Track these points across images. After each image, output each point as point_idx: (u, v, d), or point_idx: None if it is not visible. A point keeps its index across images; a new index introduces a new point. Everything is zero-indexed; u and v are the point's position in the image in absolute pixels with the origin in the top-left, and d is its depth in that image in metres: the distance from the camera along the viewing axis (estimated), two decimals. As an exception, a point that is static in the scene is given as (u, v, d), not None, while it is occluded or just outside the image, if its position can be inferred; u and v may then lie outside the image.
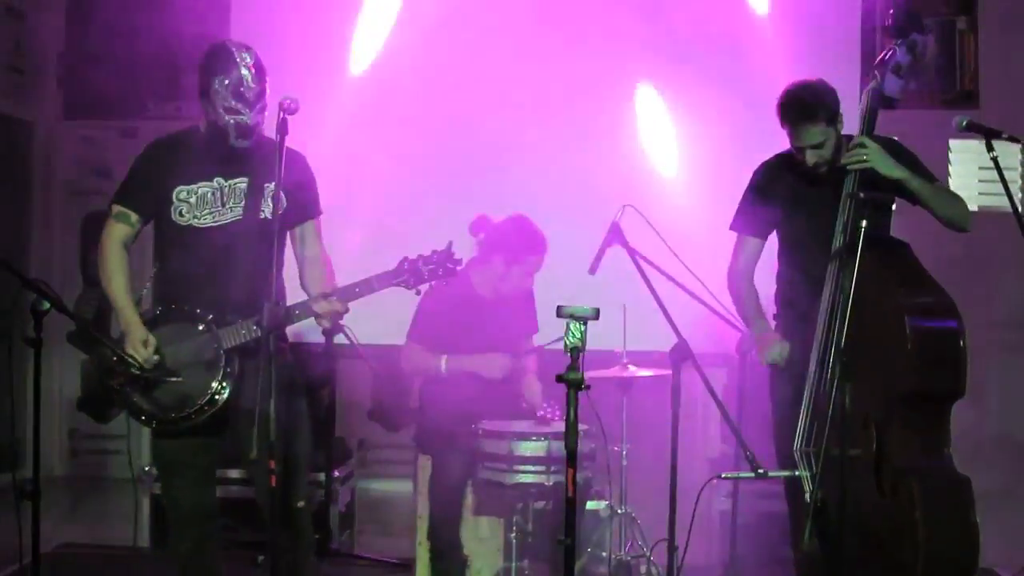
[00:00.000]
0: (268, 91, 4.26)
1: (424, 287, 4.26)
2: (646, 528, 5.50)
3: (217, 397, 4.20)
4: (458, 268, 4.25)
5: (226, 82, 4.19)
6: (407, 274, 4.19)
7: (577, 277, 5.20)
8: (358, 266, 4.49)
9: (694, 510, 4.49)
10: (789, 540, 4.82)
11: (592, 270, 5.17)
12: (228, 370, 4.21)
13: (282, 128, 4.03)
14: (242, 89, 4.18)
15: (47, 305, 4.10)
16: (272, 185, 4.21)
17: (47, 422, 8.40)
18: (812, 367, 4.37)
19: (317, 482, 6.21)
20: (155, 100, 8.47)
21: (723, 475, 4.74)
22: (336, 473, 6.38)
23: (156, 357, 4.19)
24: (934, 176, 4.68)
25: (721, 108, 6.49)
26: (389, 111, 6.90)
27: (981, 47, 8.23)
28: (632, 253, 5.05)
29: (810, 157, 4.61)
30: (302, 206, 4.42)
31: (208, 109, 4.25)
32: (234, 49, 4.23)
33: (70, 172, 8.73)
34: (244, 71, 4.18)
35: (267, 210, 4.28)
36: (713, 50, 6.65)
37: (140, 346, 4.17)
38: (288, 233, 4.41)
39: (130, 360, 4.13)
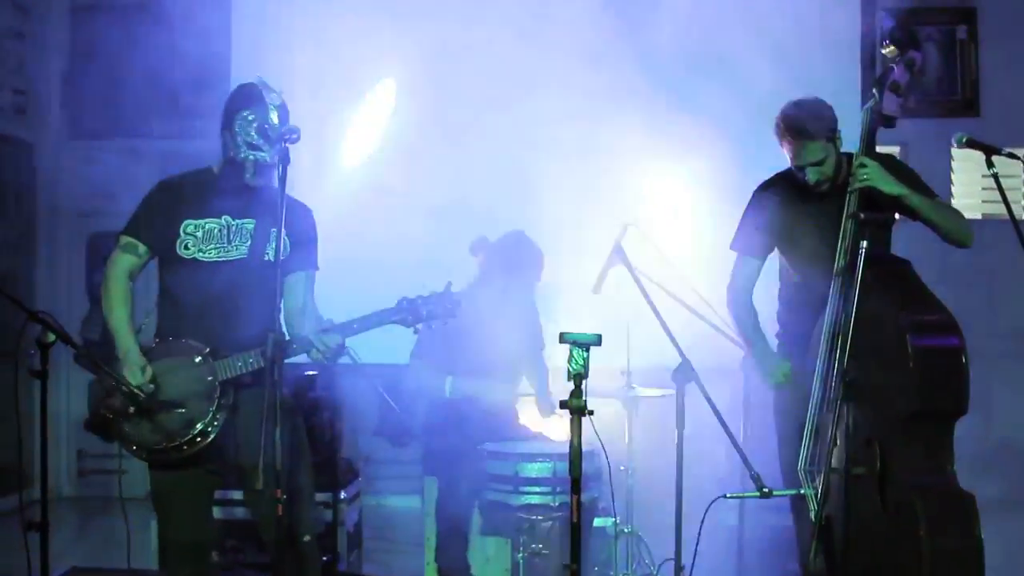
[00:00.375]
0: (282, 113, 4.31)
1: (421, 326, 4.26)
2: (653, 546, 5.50)
3: (209, 429, 4.20)
4: (456, 309, 4.25)
5: (251, 117, 4.26)
6: (405, 312, 4.23)
7: (581, 297, 5.25)
8: (360, 297, 4.51)
9: (699, 531, 4.49)
10: (797, 557, 4.83)
11: (596, 290, 5.21)
12: (222, 402, 4.22)
13: (284, 157, 4.02)
14: (266, 127, 4.23)
15: (52, 337, 4.12)
16: (279, 231, 4.20)
17: (54, 443, 8.47)
18: (815, 386, 4.38)
19: (324, 503, 6.22)
20: (159, 120, 8.49)
21: (728, 495, 4.72)
22: (343, 495, 6.38)
23: (152, 386, 4.19)
24: (934, 192, 4.68)
25: (723, 123, 6.49)
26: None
27: (982, 56, 8.26)
28: (634, 273, 5.08)
29: (811, 175, 4.62)
30: (302, 256, 4.45)
31: (229, 143, 4.30)
32: (263, 88, 4.29)
33: (74, 193, 8.76)
34: (271, 109, 4.24)
35: (271, 253, 4.32)
36: (714, 65, 6.64)
37: (137, 372, 4.19)
38: (286, 281, 4.41)
39: (125, 387, 4.13)
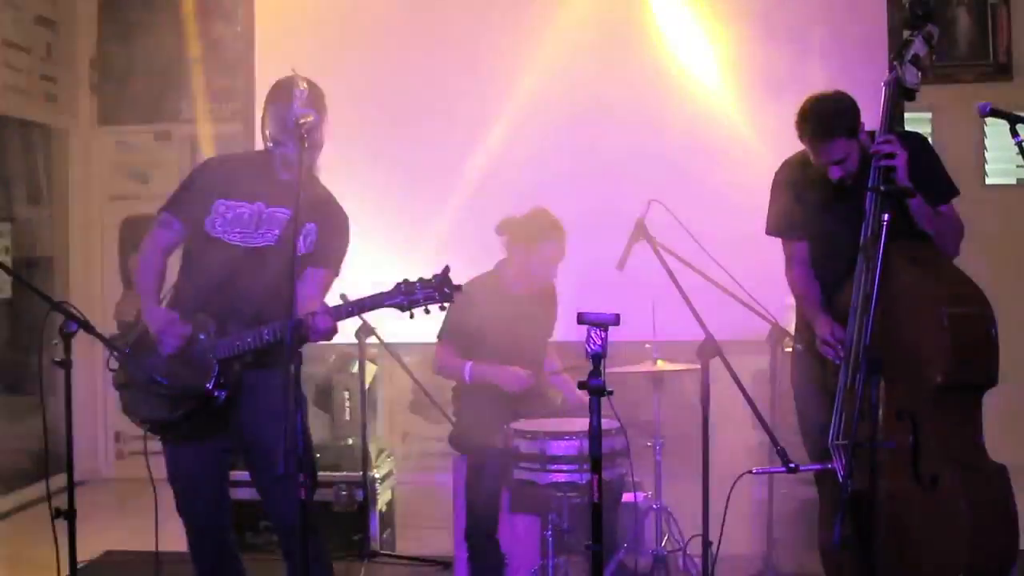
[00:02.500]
0: (322, 129, 4.29)
1: (418, 311, 4.08)
2: (683, 521, 5.50)
3: (210, 399, 4.24)
4: (454, 294, 4.08)
5: (275, 112, 4.30)
6: (402, 296, 4.06)
7: (606, 272, 5.24)
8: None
9: (726, 507, 4.49)
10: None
11: (620, 266, 5.22)
12: (221, 380, 4.24)
13: (300, 143, 4.01)
14: (288, 123, 4.18)
15: (75, 327, 4.16)
16: (311, 227, 4.33)
17: (92, 425, 8.56)
18: (844, 361, 4.35)
19: (356, 483, 6.26)
20: (188, 103, 8.53)
21: (754, 470, 4.72)
22: (375, 474, 6.42)
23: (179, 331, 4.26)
24: (951, 190, 4.62)
25: (747, 96, 6.45)
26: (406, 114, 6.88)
27: (1014, 20, 8.15)
28: (658, 249, 5.08)
29: (834, 172, 4.56)
30: (325, 255, 4.42)
31: (264, 135, 4.37)
32: (293, 82, 4.23)
33: (106, 177, 8.83)
34: (295, 105, 4.17)
35: (298, 245, 4.27)
36: (736, 38, 6.58)
37: (166, 324, 4.27)
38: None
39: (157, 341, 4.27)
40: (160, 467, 4.47)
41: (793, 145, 4.70)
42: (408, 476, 7.67)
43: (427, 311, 4.07)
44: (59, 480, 4.55)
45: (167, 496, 4.50)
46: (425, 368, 6.10)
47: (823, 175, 4.60)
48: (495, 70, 6.76)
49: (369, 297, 4.11)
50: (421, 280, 4.05)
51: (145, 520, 4.57)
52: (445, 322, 5.49)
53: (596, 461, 3.73)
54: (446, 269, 4.07)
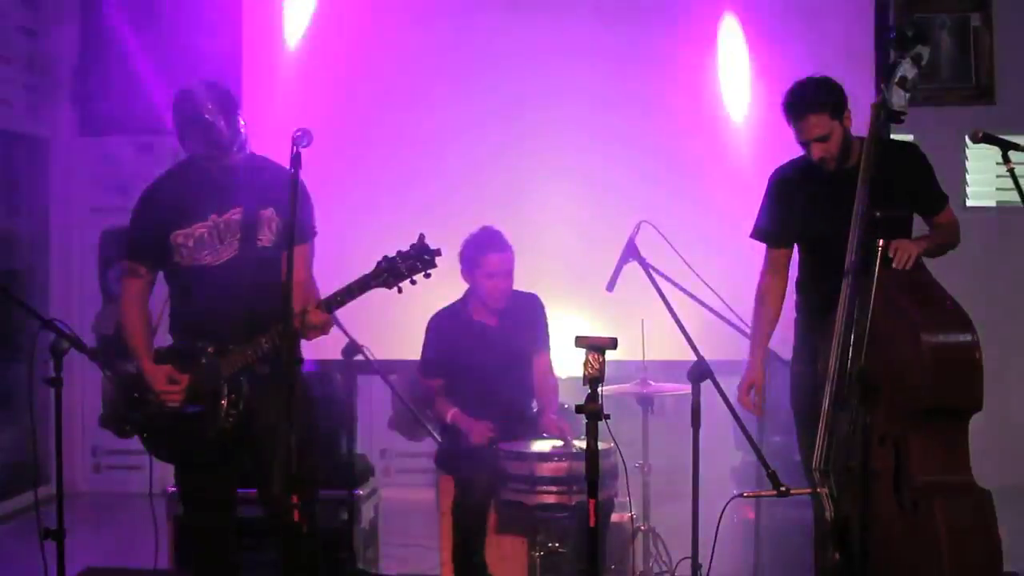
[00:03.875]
0: (228, 114, 4.27)
1: (405, 284, 4.10)
2: (670, 543, 5.49)
3: (225, 426, 4.29)
4: (437, 258, 4.10)
5: (177, 122, 4.30)
6: (386, 273, 4.08)
7: (596, 294, 5.24)
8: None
9: (716, 531, 4.48)
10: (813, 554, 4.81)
11: (609, 287, 5.21)
12: (232, 396, 4.27)
13: (295, 163, 4.00)
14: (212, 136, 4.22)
15: (66, 344, 4.13)
16: (270, 211, 4.35)
17: (68, 439, 8.46)
18: (827, 386, 4.35)
19: (340, 500, 6.22)
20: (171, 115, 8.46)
21: (745, 494, 4.73)
22: (359, 492, 6.38)
23: (175, 397, 4.32)
24: (944, 196, 4.70)
25: (739, 117, 6.46)
26: (388, 131, 6.84)
27: (996, 44, 8.21)
28: (648, 269, 5.08)
29: (815, 150, 4.57)
30: (297, 229, 4.34)
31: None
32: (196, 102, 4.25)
33: (87, 188, 8.75)
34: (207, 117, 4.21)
35: (264, 238, 4.37)
36: (728, 59, 6.59)
37: (165, 384, 4.31)
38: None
39: (161, 400, 4.29)
40: (142, 482, 4.49)
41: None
42: (386, 493, 7.63)
43: (413, 282, 4.08)
44: (31, 496, 4.54)
45: (146, 512, 4.52)
46: (409, 385, 6.09)
47: (814, 179, 4.62)
48: (482, 89, 6.73)
49: (356, 281, 4.14)
50: (400, 253, 4.07)
51: (124, 535, 4.57)
52: (422, 356, 5.53)
53: (592, 484, 3.72)
54: (421, 237, 4.09)
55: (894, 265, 4.26)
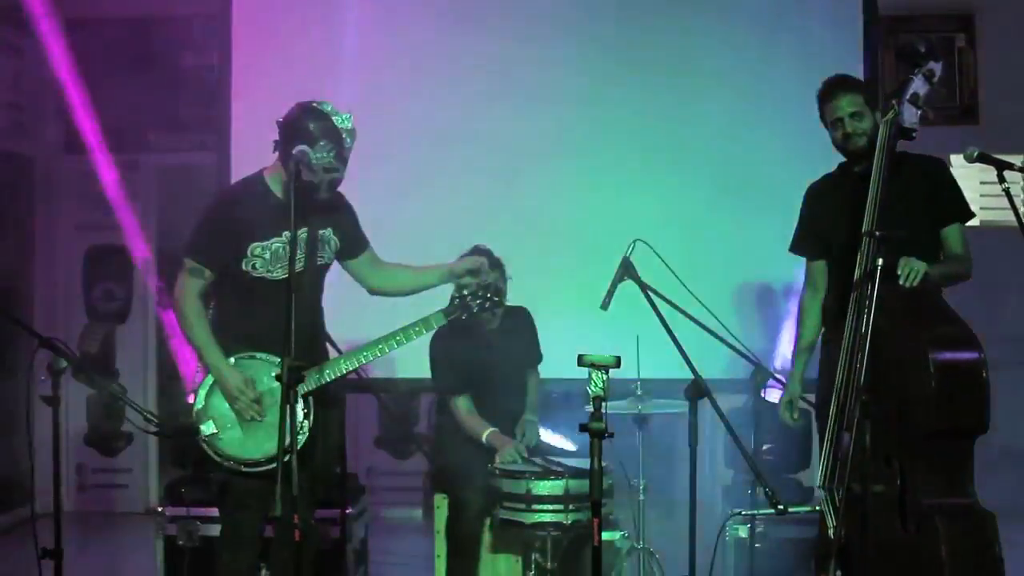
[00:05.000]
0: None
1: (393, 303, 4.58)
2: (664, 561, 5.48)
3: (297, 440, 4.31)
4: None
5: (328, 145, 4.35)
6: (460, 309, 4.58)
7: (591, 312, 5.24)
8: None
9: (715, 550, 4.49)
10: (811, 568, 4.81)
11: (604, 306, 5.20)
12: (306, 411, 4.37)
13: (297, 178, 4.15)
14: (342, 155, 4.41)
15: (64, 364, 4.11)
16: (327, 231, 4.55)
17: (52, 458, 8.42)
18: (832, 403, 4.36)
19: (331, 520, 6.19)
20: (156, 133, 8.47)
21: (743, 512, 4.73)
22: (350, 510, 6.35)
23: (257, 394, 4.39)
24: (968, 212, 4.80)
25: (733, 136, 6.47)
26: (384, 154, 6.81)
27: (980, 64, 8.27)
28: (644, 288, 5.08)
29: (849, 125, 4.65)
30: (355, 239, 4.71)
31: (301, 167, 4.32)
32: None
33: (72, 206, 8.73)
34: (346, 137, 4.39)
35: (324, 256, 4.57)
36: (722, 77, 6.61)
37: (245, 388, 4.38)
38: (350, 269, 4.77)
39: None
40: (127, 501, 4.49)
41: (783, 183, 4.76)
42: (372, 511, 7.61)
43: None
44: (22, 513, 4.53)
45: (131, 530, 4.51)
46: (399, 403, 6.08)
47: (841, 189, 4.68)
48: (475, 105, 6.72)
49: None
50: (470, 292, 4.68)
51: (113, 554, 4.55)
52: (437, 374, 5.56)
53: (596, 504, 3.72)
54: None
55: (901, 281, 4.27)
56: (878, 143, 4.38)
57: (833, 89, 4.71)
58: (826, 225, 4.83)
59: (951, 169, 4.83)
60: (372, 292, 4.86)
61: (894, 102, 4.36)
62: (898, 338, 4.17)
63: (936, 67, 4.34)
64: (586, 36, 6.71)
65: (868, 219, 4.31)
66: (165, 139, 8.60)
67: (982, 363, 4.18)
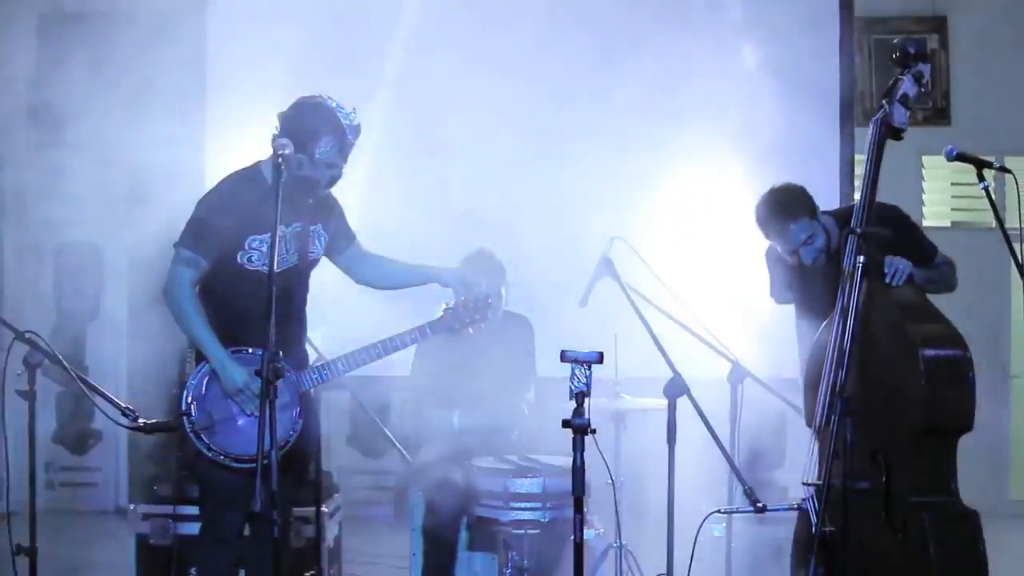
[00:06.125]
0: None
1: (376, 300, 4.59)
2: (641, 560, 5.47)
3: (290, 438, 4.36)
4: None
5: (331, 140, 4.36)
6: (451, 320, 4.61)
7: (568, 310, 5.23)
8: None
9: (693, 548, 4.49)
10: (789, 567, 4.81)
11: (582, 303, 5.19)
12: (299, 409, 4.37)
13: (277, 169, 4.10)
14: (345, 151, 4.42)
15: (40, 357, 4.07)
16: (318, 227, 4.52)
17: (22, 455, 8.34)
18: (819, 400, 4.37)
19: (304, 519, 6.15)
20: (128, 130, 8.37)
21: (722, 510, 4.73)
22: (325, 509, 6.32)
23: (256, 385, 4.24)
24: (932, 247, 4.83)
25: (710, 134, 6.48)
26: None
27: (952, 66, 8.33)
28: (623, 286, 5.07)
29: (805, 255, 4.70)
30: (343, 233, 4.71)
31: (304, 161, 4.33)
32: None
33: (41, 203, 8.62)
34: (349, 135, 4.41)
35: (315, 251, 4.54)
36: (699, 78, 6.62)
37: (246, 377, 4.29)
38: (338, 263, 4.75)
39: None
40: (97, 500, 4.45)
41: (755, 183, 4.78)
42: (347, 510, 7.58)
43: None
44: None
45: (101, 529, 4.47)
46: (373, 402, 6.04)
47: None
48: (454, 102, 6.69)
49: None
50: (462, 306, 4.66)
51: (83, 553, 4.51)
52: (415, 364, 5.55)
53: (578, 500, 3.70)
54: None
55: (887, 280, 4.31)
56: (868, 141, 4.39)
57: (777, 221, 4.74)
58: (798, 278, 4.94)
59: (923, 170, 4.84)
60: (359, 283, 4.86)
61: (884, 102, 4.36)
62: (883, 336, 4.18)
63: (925, 69, 4.37)
64: (573, 38, 6.72)
65: (856, 218, 4.32)
66: (137, 135, 8.51)
67: (969, 361, 4.20)
